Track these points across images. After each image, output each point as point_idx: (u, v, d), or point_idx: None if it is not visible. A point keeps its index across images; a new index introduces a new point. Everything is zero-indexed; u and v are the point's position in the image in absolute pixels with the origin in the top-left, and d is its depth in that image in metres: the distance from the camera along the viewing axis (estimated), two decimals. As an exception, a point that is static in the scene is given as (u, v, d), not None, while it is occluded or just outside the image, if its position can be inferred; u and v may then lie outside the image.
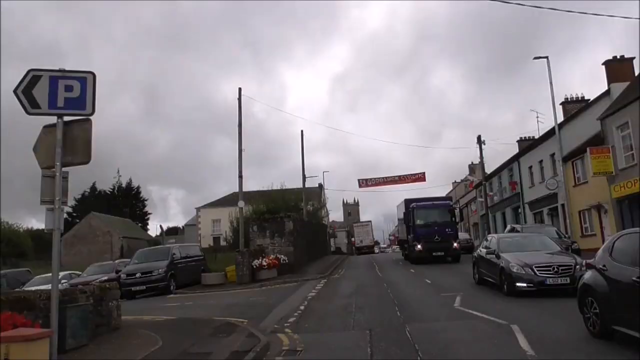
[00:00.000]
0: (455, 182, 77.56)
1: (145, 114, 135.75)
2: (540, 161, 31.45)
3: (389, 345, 7.57)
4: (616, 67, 27.13)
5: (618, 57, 27.57)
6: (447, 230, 25.17)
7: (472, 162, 66.93)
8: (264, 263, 21.49)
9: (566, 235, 22.40)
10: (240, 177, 23.72)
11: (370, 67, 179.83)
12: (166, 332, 9.41)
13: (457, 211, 28.85)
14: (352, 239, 74.33)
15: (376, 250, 71.68)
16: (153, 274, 19.44)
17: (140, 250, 22.80)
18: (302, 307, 12.59)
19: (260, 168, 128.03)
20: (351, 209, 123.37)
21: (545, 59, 27.70)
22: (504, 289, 12.02)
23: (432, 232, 24.89)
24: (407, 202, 28.78)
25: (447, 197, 31.44)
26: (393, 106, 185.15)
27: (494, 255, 12.98)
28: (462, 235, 34.50)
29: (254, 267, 21.39)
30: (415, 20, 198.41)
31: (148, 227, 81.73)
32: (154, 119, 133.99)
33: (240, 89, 24.37)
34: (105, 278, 20.39)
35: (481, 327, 8.46)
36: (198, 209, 59.88)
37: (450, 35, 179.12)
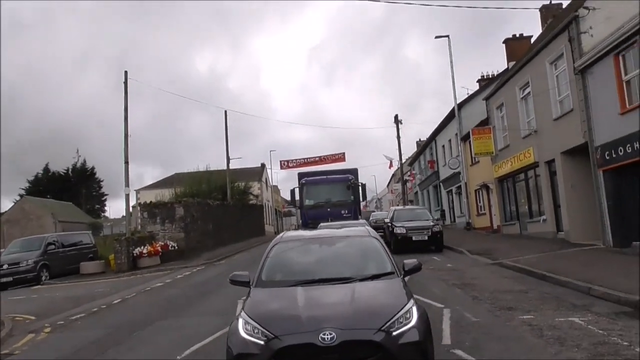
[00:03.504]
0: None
1: (115, 89, 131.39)
2: (449, 140, 31.88)
3: (103, 344, 7.66)
4: (515, 46, 27.02)
5: (517, 35, 27.74)
6: (342, 212, 20.46)
7: (419, 139, 67.68)
8: (144, 251, 21.43)
9: (436, 218, 22.03)
10: (126, 163, 23.35)
11: (344, 39, 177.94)
12: None
13: (360, 186, 22.67)
14: None
15: None
16: (21, 265, 19.18)
17: (15, 240, 22.46)
18: (116, 301, 12.62)
19: (238, 144, 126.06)
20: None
21: (447, 38, 27.89)
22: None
23: (324, 214, 19.88)
24: (300, 176, 23.55)
25: (350, 170, 23.89)
26: (369, 78, 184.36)
27: None
28: (380, 214, 34.80)
29: (135, 255, 21.31)
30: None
31: (106, 208, 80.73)
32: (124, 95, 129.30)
33: (126, 72, 23.76)
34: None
35: (213, 323, 8.54)
36: (137, 191, 59.11)
37: (421, 7, 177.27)
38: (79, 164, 76.27)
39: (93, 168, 79.17)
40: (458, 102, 28.99)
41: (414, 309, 4.38)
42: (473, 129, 23.16)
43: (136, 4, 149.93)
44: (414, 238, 18.21)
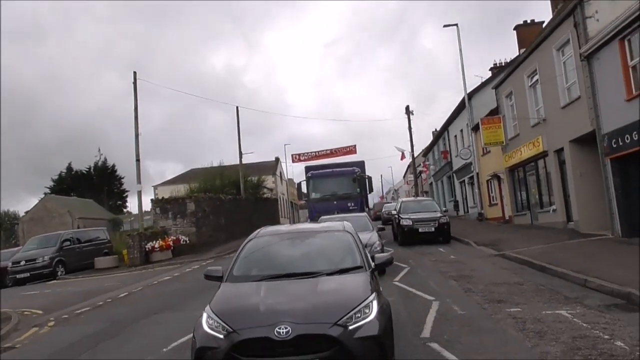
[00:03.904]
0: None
1: (133, 88, 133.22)
2: (461, 130, 31.46)
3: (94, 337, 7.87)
4: (526, 32, 26.17)
5: (529, 21, 27.08)
6: (349, 204, 20.47)
7: (435, 129, 66.93)
8: (157, 245, 21.82)
9: (444, 210, 21.98)
10: (138, 160, 23.79)
11: (359, 32, 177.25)
12: None
13: (366, 179, 22.46)
14: None
15: None
16: (37, 261, 19.79)
17: (32, 238, 23.14)
18: (122, 295, 12.93)
19: (255, 139, 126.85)
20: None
21: (455, 27, 27.48)
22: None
23: (331, 207, 19.76)
24: (307, 170, 23.87)
25: (357, 163, 24.16)
26: (385, 70, 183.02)
27: None
28: (392, 206, 34.60)
29: (147, 249, 21.72)
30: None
31: (127, 204, 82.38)
32: (143, 94, 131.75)
33: (135, 73, 24.19)
34: (-1, 266, 20.74)
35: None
36: (155, 187, 60.05)
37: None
38: (100, 162, 77.82)
39: (114, 166, 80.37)
40: (472, 90, 28.65)
41: (374, 302, 4.39)
42: (482, 119, 22.81)
43: (151, 5, 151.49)
44: (420, 230, 18.11)
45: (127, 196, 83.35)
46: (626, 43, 12.44)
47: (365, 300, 4.38)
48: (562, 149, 16.87)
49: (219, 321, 4.28)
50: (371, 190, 22.22)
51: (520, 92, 20.26)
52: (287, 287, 4.82)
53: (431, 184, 47.17)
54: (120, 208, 78.16)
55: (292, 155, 38.58)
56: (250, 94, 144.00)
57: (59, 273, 20.19)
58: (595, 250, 12.14)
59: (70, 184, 70.18)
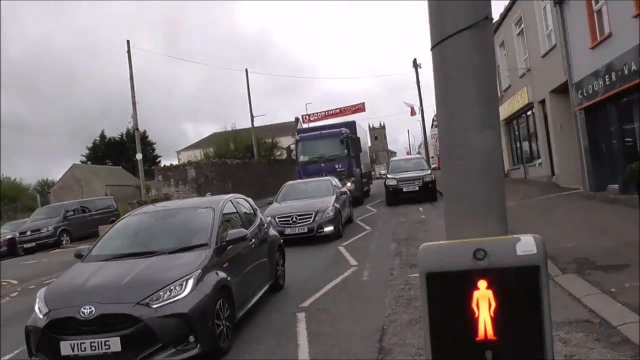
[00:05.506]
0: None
1: (165, 52, 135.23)
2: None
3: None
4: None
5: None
6: (336, 166, 19.52)
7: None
8: (155, 212, 22.61)
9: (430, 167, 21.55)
10: (137, 129, 24.41)
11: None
12: None
13: (355, 140, 21.40)
14: None
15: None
16: (42, 231, 20.93)
17: (39, 209, 24.36)
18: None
19: (290, 95, 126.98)
20: (377, 133, 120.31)
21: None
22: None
23: (319, 170, 19.12)
24: (298, 132, 23.61)
25: (348, 124, 23.20)
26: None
27: None
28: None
29: (147, 216, 22.57)
30: None
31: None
32: (178, 56, 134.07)
33: (128, 42, 24.41)
34: (10, 236, 22.09)
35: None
36: (178, 152, 61.52)
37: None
38: (132, 129, 79.44)
39: (145, 131, 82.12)
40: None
41: (190, 281, 4.55)
42: (476, 71, 21.97)
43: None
44: (404, 189, 18.01)
45: (159, 162, 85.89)
46: (591, -15, 11.63)
47: (181, 278, 4.56)
48: (544, 101, 16.19)
49: (42, 302, 4.61)
50: (360, 150, 21.75)
51: (509, 41, 19.35)
52: (117, 267, 5.06)
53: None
54: (153, 173, 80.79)
55: (302, 116, 38.42)
56: (283, 50, 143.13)
57: (64, 242, 21.32)
58: (552, 207, 11.85)
59: (104, 151, 72.75)
